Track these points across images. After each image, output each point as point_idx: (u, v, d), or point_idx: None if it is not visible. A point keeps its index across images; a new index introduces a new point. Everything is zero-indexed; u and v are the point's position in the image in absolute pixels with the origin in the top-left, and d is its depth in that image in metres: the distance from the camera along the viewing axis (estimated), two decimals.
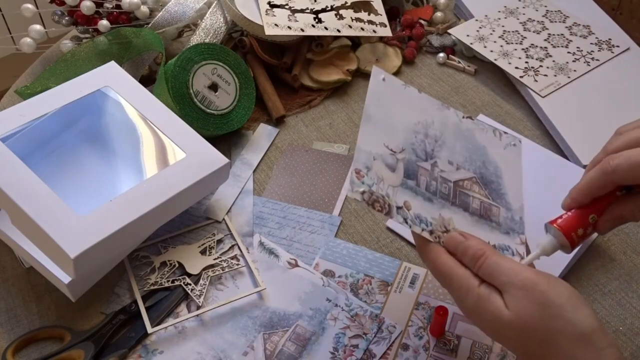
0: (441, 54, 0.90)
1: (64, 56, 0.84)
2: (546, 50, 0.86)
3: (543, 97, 0.80)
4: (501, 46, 0.88)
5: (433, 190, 0.56)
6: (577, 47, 0.87)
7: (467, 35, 0.90)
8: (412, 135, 0.58)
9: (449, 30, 0.92)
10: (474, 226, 0.56)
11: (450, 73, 0.89)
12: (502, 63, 0.85)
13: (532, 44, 0.87)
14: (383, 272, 0.66)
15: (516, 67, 0.84)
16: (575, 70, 0.84)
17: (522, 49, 0.87)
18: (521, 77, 0.83)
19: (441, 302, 0.63)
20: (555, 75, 0.83)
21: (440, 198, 0.56)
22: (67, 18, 0.88)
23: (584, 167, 0.73)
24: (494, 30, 0.90)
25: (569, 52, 0.86)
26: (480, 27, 0.91)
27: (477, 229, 0.56)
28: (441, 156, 0.58)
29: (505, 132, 0.63)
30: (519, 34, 0.89)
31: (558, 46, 0.87)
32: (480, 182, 0.59)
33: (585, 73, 0.83)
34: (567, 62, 0.85)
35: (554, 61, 0.85)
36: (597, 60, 0.85)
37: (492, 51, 0.87)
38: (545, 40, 0.88)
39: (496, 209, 0.58)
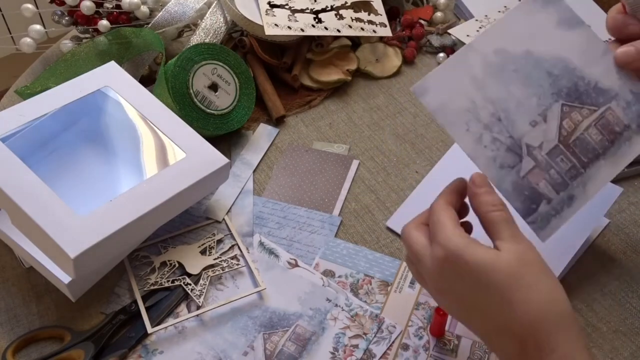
0: (441, 54, 0.90)
1: (64, 56, 0.84)
2: None
3: None
4: None
5: None
6: None
7: (467, 36, 0.90)
8: None
9: (449, 30, 0.92)
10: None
11: None
12: None
13: None
14: (383, 272, 0.66)
15: None
16: None
17: None
18: None
19: None
20: None
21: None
22: (67, 18, 0.88)
23: None
24: None
25: None
26: (480, 27, 0.90)
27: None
28: None
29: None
30: None
31: None
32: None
33: None
34: None
35: None
36: None
37: None
38: None
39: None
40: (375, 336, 0.61)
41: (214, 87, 0.76)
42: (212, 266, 0.66)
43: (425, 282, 0.53)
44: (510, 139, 0.54)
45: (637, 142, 0.55)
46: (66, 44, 0.88)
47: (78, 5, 0.85)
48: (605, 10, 0.94)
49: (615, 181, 0.74)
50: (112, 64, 0.74)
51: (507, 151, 0.54)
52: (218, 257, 0.67)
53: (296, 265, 0.66)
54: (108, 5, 0.86)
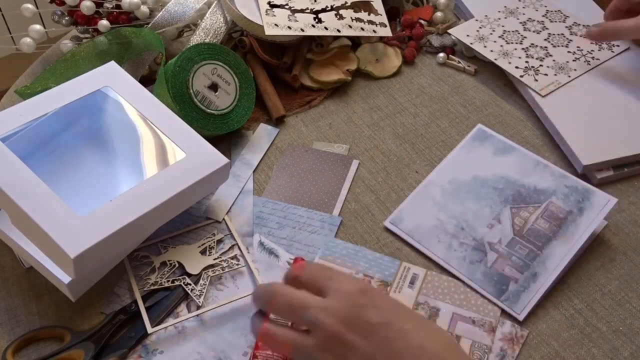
0: (441, 54, 0.90)
1: (64, 56, 0.84)
2: (546, 50, 0.86)
3: (543, 96, 0.80)
4: (501, 46, 0.88)
5: None
6: (577, 47, 0.87)
7: (467, 35, 0.90)
8: None
9: (449, 30, 0.92)
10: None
11: (450, 73, 0.89)
12: (502, 63, 0.85)
13: (532, 44, 0.87)
14: (383, 272, 0.66)
15: (516, 67, 0.84)
16: (575, 70, 0.84)
17: (522, 49, 0.87)
18: (521, 76, 0.83)
19: (440, 301, 0.63)
20: (555, 75, 0.83)
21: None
22: (67, 18, 0.88)
23: (584, 167, 0.73)
24: (494, 30, 0.90)
25: (569, 52, 0.86)
26: (480, 27, 0.91)
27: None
28: None
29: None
30: (519, 33, 0.89)
31: (558, 46, 0.87)
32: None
33: (586, 72, 0.83)
34: (568, 62, 0.85)
35: (554, 60, 0.85)
36: (597, 59, 0.85)
37: (492, 51, 0.87)
38: (545, 40, 0.88)
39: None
40: None
41: (214, 87, 0.76)
42: (212, 266, 0.66)
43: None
44: (474, 240, 0.66)
45: (581, 223, 0.67)
46: (66, 44, 0.88)
47: (78, 5, 0.85)
48: (604, 9, 0.94)
49: (615, 180, 0.74)
50: (112, 64, 0.74)
51: (473, 250, 0.66)
52: (218, 257, 0.67)
53: None
54: (108, 5, 0.86)
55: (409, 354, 0.45)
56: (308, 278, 0.49)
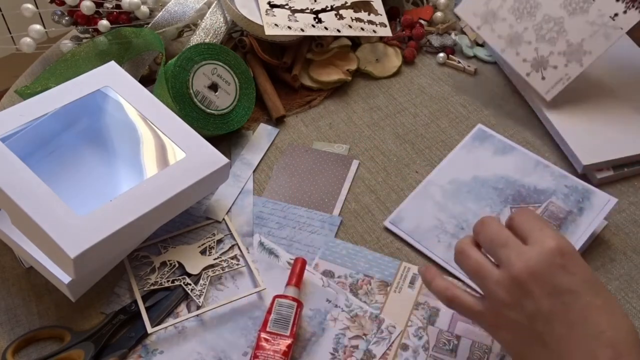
0: (441, 54, 0.90)
1: (64, 56, 0.84)
2: (561, 23, 0.78)
3: (548, 101, 0.79)
4: (510, 25, 0.81)
5: None
6: (599, 10, 0.77)
7: (474, 14, 0.84)
8: None
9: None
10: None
11: (450, 73, 0.89)
12: (509, 55, 0.81)
13: (545, 15, 0.79)
14: (382, 272, 0.66)
15: (524, 60, 0.80)
16: (590, 52, 0.77)
17: (533, 27, 0.79)
18: (528, 74, 0.80)
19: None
20: (566, 65, 0.78)
21: None
22: (67, 18, 0.88)
23: (584, 167, 0.73)
24: (504, 1, 0.82)
25: (587, 21, 0.77)
26: (488, 0, 0.83)
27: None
28: None
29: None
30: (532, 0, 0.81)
31: (576, 13, 0.78)
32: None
33: (601, 54, 0.77)
34: (583, 39, 0.77)
35: (567, 40, 0.78)
36: (619, 28, 0.76)
37: (499, 37, 0.82)
38: (561, 6, 0.79)
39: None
40: (375, 337, 0.61)
41: (214, 87, 0.76)
42: (212, 266, 0.66)
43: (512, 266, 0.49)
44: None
45: (581, 222, 0.67)
46: (66, 44, 0.88)
47: (78, 5, 0.85)
48: None
49: (615, 180, 0.74)
50: (112, 64, 0.74)
51: None
52: (218, 257, 0.67)
53: None
54: (108, 5, 0.86)
55: (587, 331, 0.44)
56: (519, 223, 0.51)
